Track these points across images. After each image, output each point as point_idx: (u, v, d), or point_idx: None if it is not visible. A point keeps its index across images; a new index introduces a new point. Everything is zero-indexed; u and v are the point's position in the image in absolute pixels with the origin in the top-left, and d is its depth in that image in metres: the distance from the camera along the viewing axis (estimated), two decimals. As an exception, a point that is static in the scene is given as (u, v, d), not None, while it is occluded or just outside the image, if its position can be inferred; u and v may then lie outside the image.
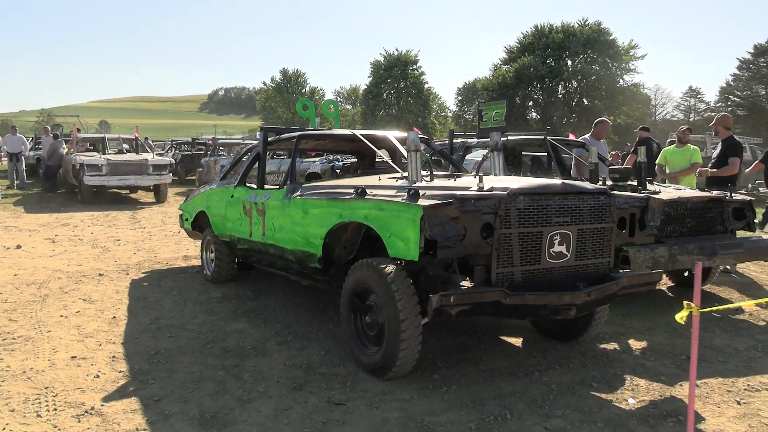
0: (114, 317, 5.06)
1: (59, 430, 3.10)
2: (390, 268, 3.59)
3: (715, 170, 7.07)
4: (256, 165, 5.73)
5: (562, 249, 3.63)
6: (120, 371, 3.88)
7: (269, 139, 5.67)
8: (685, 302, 2.55)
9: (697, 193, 5.49)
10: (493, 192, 3.48)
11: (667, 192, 5.29)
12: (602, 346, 4.44)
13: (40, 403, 3.39)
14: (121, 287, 6.10)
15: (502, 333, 4.69)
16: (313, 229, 4.45)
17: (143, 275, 6.69)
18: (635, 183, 5.40)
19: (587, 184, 4.01)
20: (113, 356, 4.15)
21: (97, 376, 3.78)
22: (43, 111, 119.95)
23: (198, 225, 6.79)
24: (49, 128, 20.04)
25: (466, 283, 3.66)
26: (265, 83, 71.08)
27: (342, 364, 3.99)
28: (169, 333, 4.66)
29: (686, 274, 6.06)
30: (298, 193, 4.74)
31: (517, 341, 4.53)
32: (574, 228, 3.65)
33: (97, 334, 4.61)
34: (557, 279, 3.66)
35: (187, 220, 6.99)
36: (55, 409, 3.32)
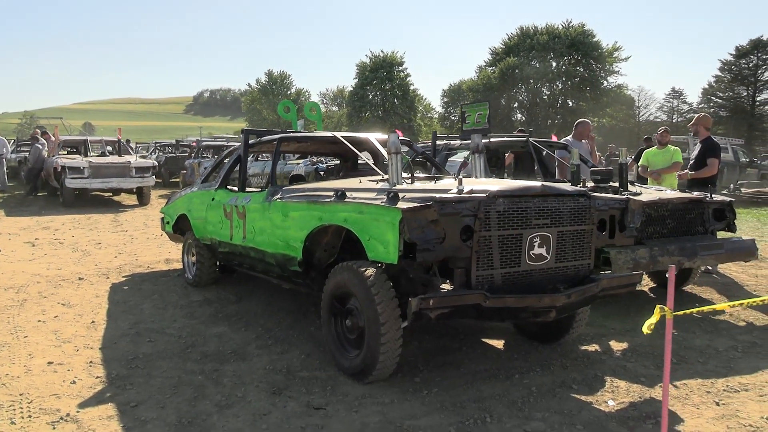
0: (93, 322, 5.00)
1: (33, 438, 3.04)
2: (370, 271, 3.56)
3: (693, 173, 7.13)
4: (238, 167, 5.69)
5: (542, 251, 3.63)
6: (97, 377, 3.82)
7: (250, 142, 5.63)
8: (657, 306, 2.56)
9: (677, 194, 5.52)
10: (473, 194, 3.47)
11: (648, 193, 5.32)
12: (583, 347, 4.44)
13: (14, 410, 3.33)
14: (101, 291, 6.03)
15: (484, 335, 4.68)
16: (293, 232, 4.42)
17: (124, 279, 6.61)
18: (617, 184, 5.42)
19: (567, 186, 4.01)
20: (91, 361, 4.09)
21: (74, 382, 3.72)
22: (26, 113, 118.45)
23: (179, 228, 6.73)
24: (39, 132, 19.72)
25: (446, 286, 3.65)
26: (250, 85, 70.88)
27: (322, 368, 3.96)
28: (149, 338, 4.61)
29: (668, 275, 6.10)
30: (278, 196, 4.71)
31: (498, 344, 4.53)
32: (554, 230, 3.65)
33: (75, 339, 4.55)
34: (537, 281, 3.65)
35: (168, 223, 6.92)
36: (30, 416, 3.26)
